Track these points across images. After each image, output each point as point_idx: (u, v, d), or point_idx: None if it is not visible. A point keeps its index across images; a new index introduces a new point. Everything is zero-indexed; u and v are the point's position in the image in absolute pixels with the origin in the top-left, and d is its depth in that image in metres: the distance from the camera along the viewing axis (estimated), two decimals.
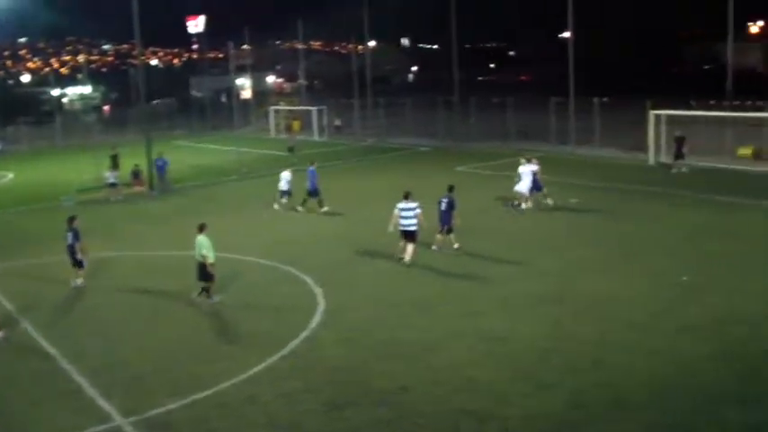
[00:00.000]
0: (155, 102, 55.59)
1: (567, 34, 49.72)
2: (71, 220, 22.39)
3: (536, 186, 30.27)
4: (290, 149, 47.64)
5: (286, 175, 32.49)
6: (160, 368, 16.20)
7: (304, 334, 17.57)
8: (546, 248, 24.34)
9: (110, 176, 37.92)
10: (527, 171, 30.01)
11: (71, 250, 22.09)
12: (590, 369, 15.00)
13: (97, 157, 42.51)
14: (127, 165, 40.63)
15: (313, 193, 31.79)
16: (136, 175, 40.28)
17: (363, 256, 24.47)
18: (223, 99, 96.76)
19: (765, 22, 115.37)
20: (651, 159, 40.66)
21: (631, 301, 18.87)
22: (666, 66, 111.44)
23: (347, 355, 16.44)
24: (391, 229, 23.26)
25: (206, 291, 20.23)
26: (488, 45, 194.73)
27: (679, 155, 37.79)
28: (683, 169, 37.50)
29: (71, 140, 68.36)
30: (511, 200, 30.61)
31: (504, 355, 15.99)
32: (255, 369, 15.68)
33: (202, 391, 14.73)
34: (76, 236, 22.15)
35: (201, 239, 20.04)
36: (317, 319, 18.53)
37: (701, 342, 16.06)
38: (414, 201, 23.02)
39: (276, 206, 32.56)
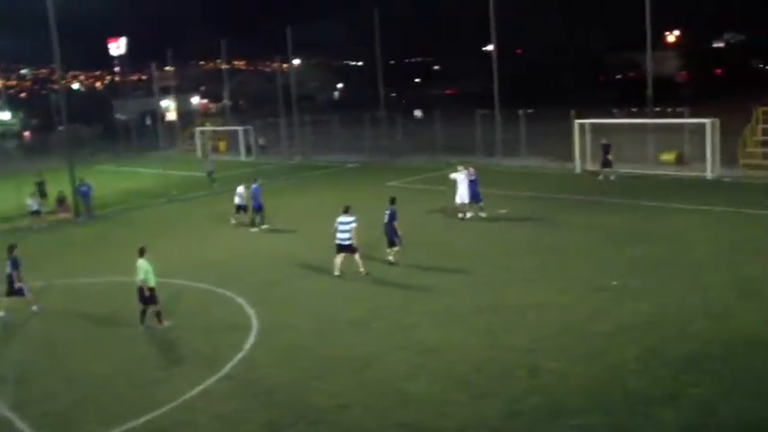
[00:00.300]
0: (72, 125, 53.98)
1: (490, 47, 50.37)
2: (11, 248, 21.90)
3: (475, 198, 30.56)
4: (210, 174, 46.55)
5: (240, 191, 32.53)
6: (93, 397, 15.85)
7: (239, 355, 17.39)
8: (477, 259, 24.52)
9: (32, 204, 36.99)
10: (461, 178, 30.24)
11: (9, 279, 21.57)
12: (525, 377, 15.14)
13: (19, 184, 41.52)
14: (52, 191, 39.80)
15: (257, 209, 31.72)
16: (61, 201, 39.51)
17: (296, 275, 24.33)
18: (148, 122, 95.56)
19: (681, 32, 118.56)
20: (578, 168, 41.38)
21: (563, 308, 19.11)
22: (588, 75, 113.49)
23: (284, 374, 16.30)
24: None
25: (155, 315, 19.95)
26: (413, 60, 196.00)
27: (606, 162, 38.58)
28: (611, 177, 38.32)
29: None
30: (455, 212, 30.80)
31: (440, 366, 16.02)
32: (191, 393, 15.45)
33: (137, 419, 14.46)
34: (15, 264, 21.63)
35: (141, 263, 19.79)
36: (251, 340, 18.35)
37: (633, 344, 16.33)
38: (352, 215, 23.16)
39: (233, 221, 32.64)
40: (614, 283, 20.73)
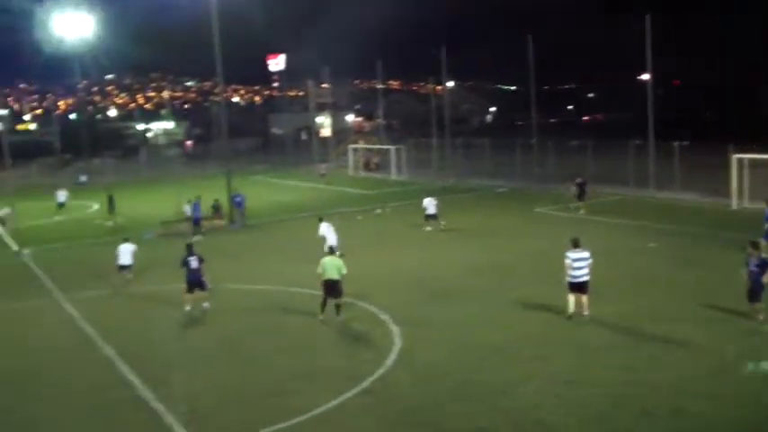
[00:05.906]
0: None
1: (645, 76, 49.20)
2: (190, 246, 24.22)
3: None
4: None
5: (429, 201, 35.94)
6: (233, 401, 16.38)
7: (379, 372, 17.53)
8: (622, 293, 23.65)
9: (188, 210, 38.88)
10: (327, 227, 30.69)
11: (196, 274, 23.41)
12: (667, 416, 14.56)
13: (180, 190, 43.46)
14: (207, 198, 41.35)
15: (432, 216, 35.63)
16: (216, 209, 41.17)
17: (442, 296, 24.24)
18: (303, 136, 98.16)
19: None
20: (734, 204, 39.75)
21: (711, 348, 18.19)
22: (744, 110, 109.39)
23: (421, 395, 16.31)
24: (565, 279, 21.07)
25: (335, 307, 21.72)
26: (566, 87, 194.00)
27: (581, 195, 40.73)
28: (581, 212, 39.52)
29: (154, 173, 70.34)
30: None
31: (575, 398, 15.61)
32: (328, 405, 15.71)
33: (273, 425, 14.81)
34: (201, 260, 23.65)
35: (323, 260, 21.88)
36: (392, 358, 18.46)
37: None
38: (585, 249, 21.09)
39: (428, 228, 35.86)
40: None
